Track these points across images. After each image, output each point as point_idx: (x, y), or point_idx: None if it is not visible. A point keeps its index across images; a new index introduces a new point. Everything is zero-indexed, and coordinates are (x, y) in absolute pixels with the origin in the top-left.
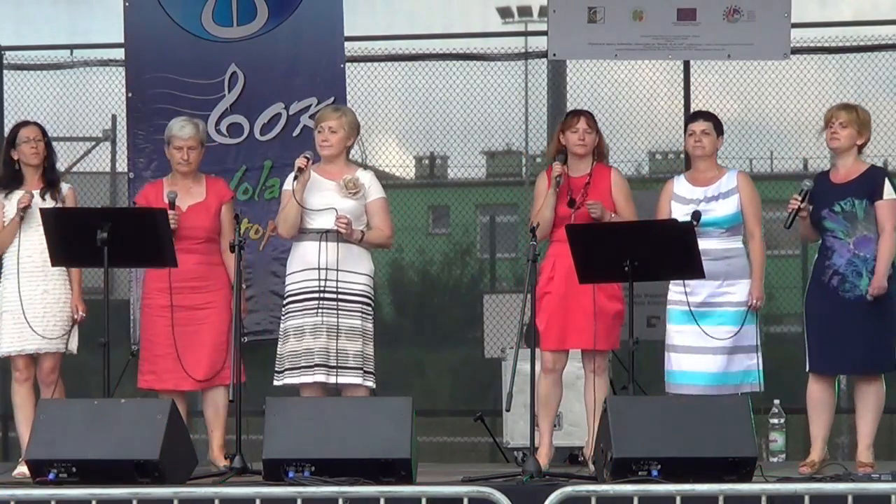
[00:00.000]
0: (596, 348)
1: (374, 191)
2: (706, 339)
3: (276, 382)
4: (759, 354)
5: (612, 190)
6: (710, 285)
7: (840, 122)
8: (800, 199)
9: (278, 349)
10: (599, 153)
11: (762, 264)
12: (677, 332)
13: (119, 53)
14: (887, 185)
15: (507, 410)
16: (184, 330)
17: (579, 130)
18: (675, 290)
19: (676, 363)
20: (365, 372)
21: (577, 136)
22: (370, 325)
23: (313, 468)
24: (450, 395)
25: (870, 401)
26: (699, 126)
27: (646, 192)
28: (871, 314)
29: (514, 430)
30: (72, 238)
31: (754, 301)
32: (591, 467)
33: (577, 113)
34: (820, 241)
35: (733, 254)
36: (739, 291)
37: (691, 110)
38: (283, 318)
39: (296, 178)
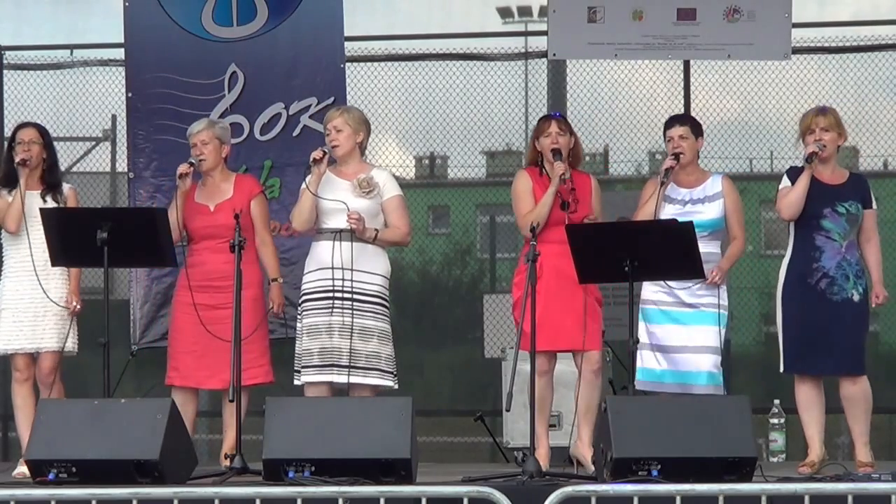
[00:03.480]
0: (586, 349)
1: (390, 189)
2: (681, 338)
3: (295, 382)
4: (719, 357)
5: (591, 197)
6: (687, 287)
7: (822, 127)
8: (819, 149)
9: (296, 349)
10: (575, 156)
11: (737, 255)
12: (653, 331)
13: (119, 53)
14: (872, 194)
15: (507, 410)
16: (210, 329)
17: (552, 134)
18: (652, 290)
19: (650, 362)
20: (383, 371)
21: (549, 140)
22: (385, 325)
23: (313, 468)
24: (450, 395)
25: (858, 400)
26: (676, 132)
27: None
28: (856, 316)
29: (514, 430)
30: (72, 238)
31: (714, 273)
32: (585, 468)
33: (548, 117)
34: (793, 240)
35: (712, 258)
36: (714, 295)
37: (691, 110)
38: (299, 317)
39: (309, 168)
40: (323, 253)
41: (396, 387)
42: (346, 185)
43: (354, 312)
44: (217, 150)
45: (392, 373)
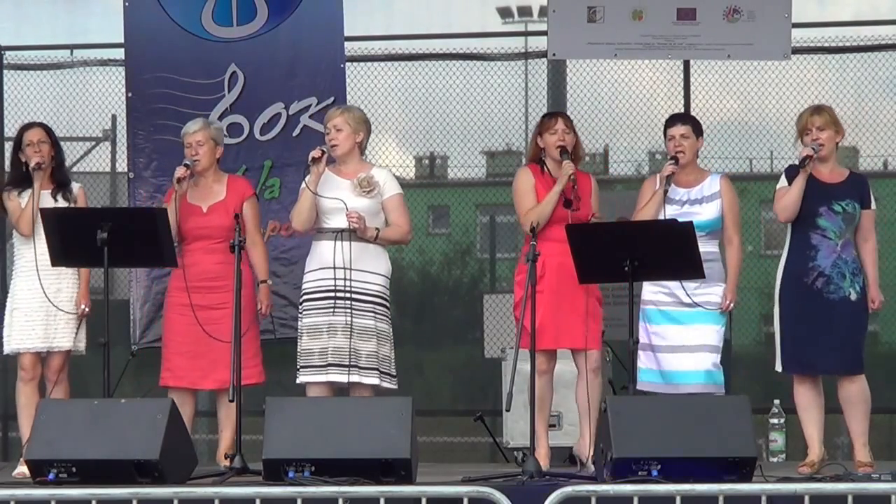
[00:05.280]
0: (588, 347)
1: (390, 187)
2: (680, 338)
3: (297, 380)
4: (719, 355)
5: (591, 196)
6: (687, 287)
7: (817, 126)
8: (813, 151)
9: (298, 348)
10: (576, 155)
11: (738, 269)
12: (653, 332)
13: (119, 53)
14: (871, 194)
15: (507, 410)
16: (203, 329)
17: (558, 131)
18: (651, 290)
19: (651, 362)
20: (381, 372)
21: (556, 137)
22: (386, 326)
23: (313, 468)
24: (450, 395)
25: (857, 400)
26: (678, 130)
27: None
28: (853, 315)
29: (514, 430)
30: (72, 238)
31: (727, 303)
32: (587, 466)
33: (554, 114)
34: (790, 238)
35: (710, 257)
36: (714, 294)
37: (691, 110)
38: (300, 316)
39: (308, 167)
40: (325, 252)
41: (396, 387)
42: (346, 185)
43: (355, 312)
44: (212, 150)
45: (391, 374)
